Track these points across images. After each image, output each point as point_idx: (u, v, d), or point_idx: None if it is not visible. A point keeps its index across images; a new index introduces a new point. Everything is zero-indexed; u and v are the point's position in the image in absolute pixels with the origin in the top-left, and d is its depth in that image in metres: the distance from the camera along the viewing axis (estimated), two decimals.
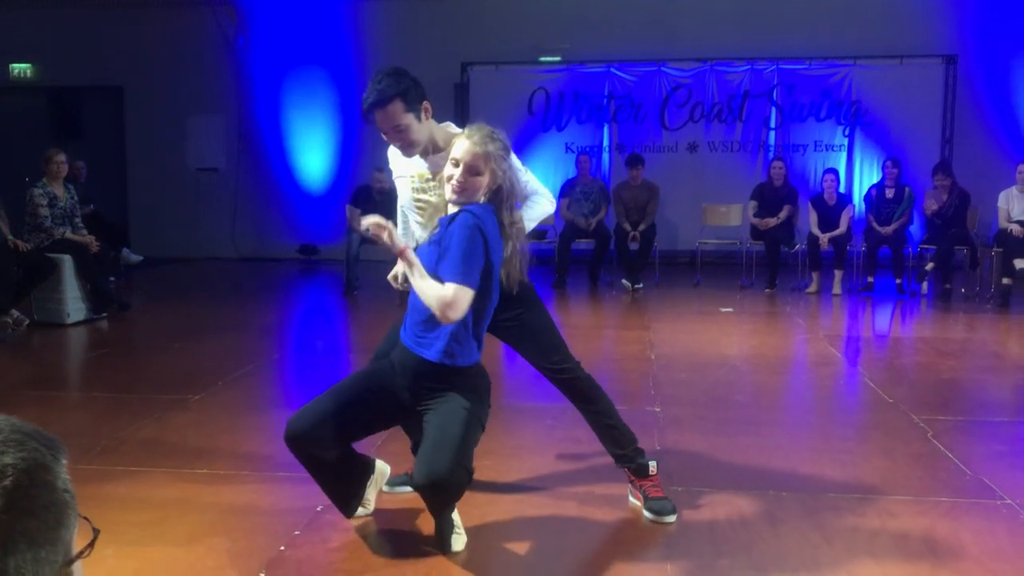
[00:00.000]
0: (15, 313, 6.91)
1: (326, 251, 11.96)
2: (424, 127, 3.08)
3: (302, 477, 3.65)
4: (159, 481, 3.66)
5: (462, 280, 2.68)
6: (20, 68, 12.57)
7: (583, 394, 3.32)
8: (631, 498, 3.40)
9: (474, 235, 2.72)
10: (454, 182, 2.82)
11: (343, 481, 3.07)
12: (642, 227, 9.74)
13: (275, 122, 12.26)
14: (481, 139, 2.83)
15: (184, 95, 12.24)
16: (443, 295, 2.67)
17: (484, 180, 2.82)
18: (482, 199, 2.85)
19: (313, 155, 12.21)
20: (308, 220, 12.26)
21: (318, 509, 3.30)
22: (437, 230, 2.89)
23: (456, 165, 2.82)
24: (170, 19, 12.11)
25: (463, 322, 2.78)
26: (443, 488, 2.74)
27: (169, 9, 12.07)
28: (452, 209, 2.87)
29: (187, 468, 3.81)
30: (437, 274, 2.75)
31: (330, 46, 11.97)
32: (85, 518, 1.09)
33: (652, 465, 3.34)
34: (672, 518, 3.24)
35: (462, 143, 2.84)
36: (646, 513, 3.27)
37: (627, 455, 3.34)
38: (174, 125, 12.36)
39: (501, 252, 2.83)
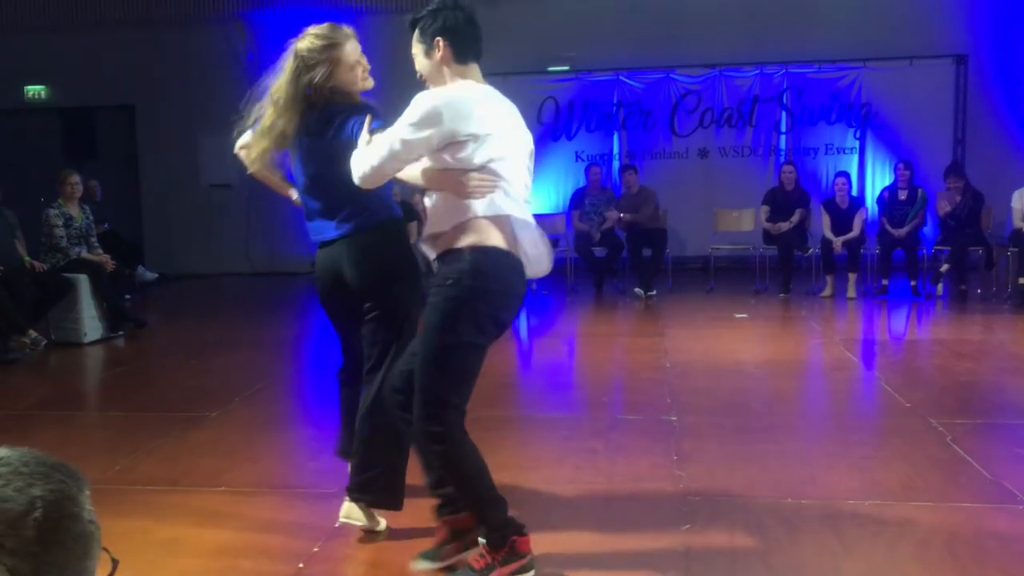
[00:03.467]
0: (32, 334, 6.94)
1: None
2: None
3: (320, 494, 3.66)
4: (178, 499, 3.68)
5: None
6: (34, 90, 12.69)
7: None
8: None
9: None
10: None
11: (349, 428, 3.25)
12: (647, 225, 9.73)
13: None
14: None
15: (195, 112, 12.30)
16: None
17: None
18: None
19: None
20: None
21: (336, 526, 3.30)
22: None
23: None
24: (180, 37, 12.19)
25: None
26: None
27: (179, 27, 12.15)
28: None
29: (206, 486, 3.83)
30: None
31: None
32: (105, 549, 1.11)
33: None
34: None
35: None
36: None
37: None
38: (186, 142, 12.42)
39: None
